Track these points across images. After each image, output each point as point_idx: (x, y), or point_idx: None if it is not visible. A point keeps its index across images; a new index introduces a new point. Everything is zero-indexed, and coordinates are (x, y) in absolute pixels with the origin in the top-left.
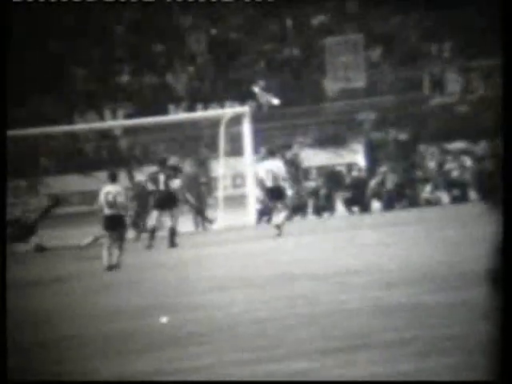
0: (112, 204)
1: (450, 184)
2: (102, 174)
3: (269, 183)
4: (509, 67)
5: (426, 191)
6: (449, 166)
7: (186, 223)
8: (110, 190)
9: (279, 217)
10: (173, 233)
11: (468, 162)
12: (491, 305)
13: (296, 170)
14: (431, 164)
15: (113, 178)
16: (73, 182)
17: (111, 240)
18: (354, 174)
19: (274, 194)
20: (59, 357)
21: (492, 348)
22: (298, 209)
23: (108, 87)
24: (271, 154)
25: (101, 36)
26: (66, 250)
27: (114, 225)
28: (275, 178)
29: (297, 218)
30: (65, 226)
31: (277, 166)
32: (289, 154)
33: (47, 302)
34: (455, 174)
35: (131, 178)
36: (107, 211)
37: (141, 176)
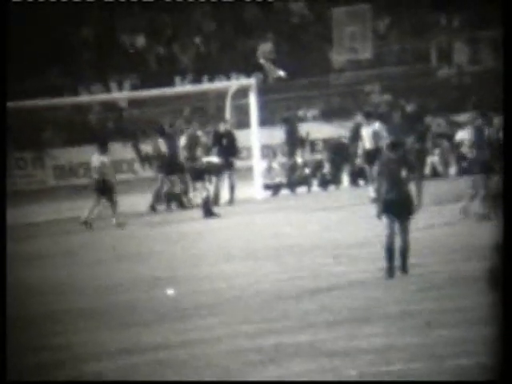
0: None
1: (459, 156)
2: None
3: (369, 145)
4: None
5: (434, 163)
6: (460, 138)
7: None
8: None
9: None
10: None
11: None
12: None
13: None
14: (439, 135)
15: None
16: (79, 154)
17: None
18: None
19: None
20: (66, 328)
21: (493, 349)
22: (303, 182)
23: (114, 58)
24: (368, 116)
25: (106, 7)
26: (73, 222)
27: None
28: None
29: (302, 191)
30: (70, 198)
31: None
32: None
33: (54, 275)
34: (466, 147)
35: (138, 150)
36: None
37: (147, 148)
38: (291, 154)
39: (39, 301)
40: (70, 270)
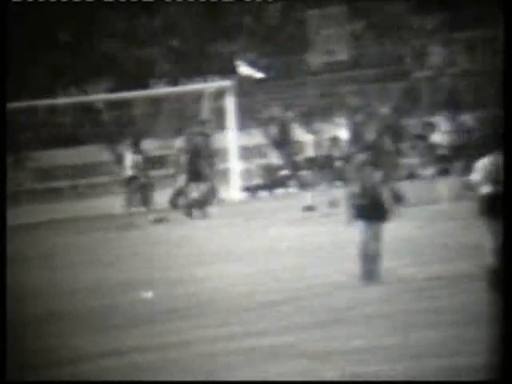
0: None
1: (435, 158)
2: (85, 149)
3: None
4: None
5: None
6: (435, 139)
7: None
8: None
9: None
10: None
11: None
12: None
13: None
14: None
15: None
16: (58, 157)
17: None
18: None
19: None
20: (42, 332)
21: (494, 349)
22: (281, 183)
23: (90, 61)
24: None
25: (84, 9)
26: (51, 225)
27: None
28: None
29: (280, 193)
30: (49, 200)
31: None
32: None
33: (30, 278)
34: (443, 148)
35: (114, 152)
36: None
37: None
38: (286, 155)
39: (15, 305)
40: (45, 273)
